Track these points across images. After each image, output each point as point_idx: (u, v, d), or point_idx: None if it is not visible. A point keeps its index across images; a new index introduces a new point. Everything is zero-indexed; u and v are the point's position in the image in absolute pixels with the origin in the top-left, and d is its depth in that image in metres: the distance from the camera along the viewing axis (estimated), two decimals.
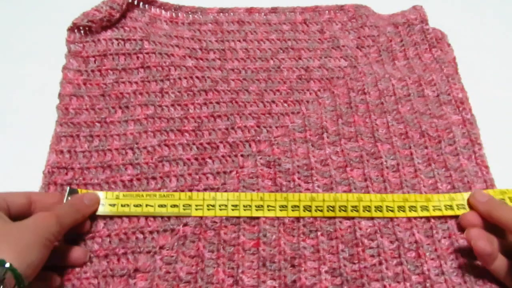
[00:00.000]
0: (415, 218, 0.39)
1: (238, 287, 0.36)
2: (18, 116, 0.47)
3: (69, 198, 0.38)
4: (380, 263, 0.37)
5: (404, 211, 0.39)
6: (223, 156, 0.43)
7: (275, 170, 0.42)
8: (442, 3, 0.59)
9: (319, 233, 0.38)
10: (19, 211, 0.35)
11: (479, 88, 0.48)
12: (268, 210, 0.39)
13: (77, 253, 0.37)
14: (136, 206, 0.39)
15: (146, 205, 0.39)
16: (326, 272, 0.37)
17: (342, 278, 0.36)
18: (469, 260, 0.37)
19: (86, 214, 0.38)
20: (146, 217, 0.39)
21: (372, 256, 0.37)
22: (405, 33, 0.52)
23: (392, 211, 0.39)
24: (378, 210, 0.39)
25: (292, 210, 0.39)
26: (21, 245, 0.30)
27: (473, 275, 0.36)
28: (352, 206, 0.39)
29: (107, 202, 0.39)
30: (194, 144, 0.44)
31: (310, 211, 0.39)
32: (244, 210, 0.39)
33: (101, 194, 0.39)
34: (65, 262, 0.36)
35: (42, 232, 0.31)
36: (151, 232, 0.39)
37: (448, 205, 0.39)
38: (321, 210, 0.39)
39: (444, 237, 0.38)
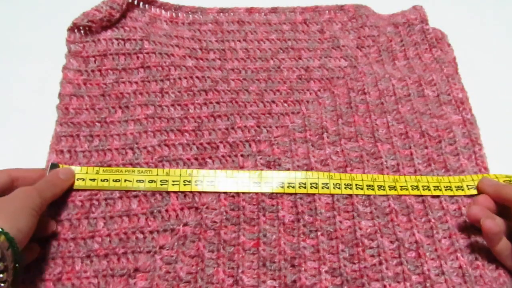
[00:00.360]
0: (414, 218, 0.39)
1: (238, 287, 0.36)
2: (18, 116, 0.47)
3: None
4: (380, 263, 0.37)
5: (373, 189, 0.41)
6: (223, 156, 0.43)
7: (275, 170, 0.42)
8: (442, 3, 0.59)
9: (319, 233, 0.38)
10: (1, 189, 0.35)
11: (479, 88, 0.48)
12: (243, 186, 0.41)
13: (45, 222, 0.37)
14: (115, 181, 0.40)
15: (125, 180, 0.41)
16: (326, 272, 0.37)
17: (342, 278, 0.36)
18: (469, 260, 0.37)
19: (63, 188, 0.39)
20: (146, 217, 0.39)
21: (372, 256, 0.37)
22: (405, 33, 0.52)
23: (361, 189, 0.40)
24: (348, 188, 0.40)
25: (265, 186, 0.41)
26: (9, 213, 0.31)
27: (473, 275, 0.36)
28: (323, 183, 0.41)
29: (87, 177, 0.40)
30: (194, 144, 0.44)
31: (283, 187, 0.41)
32: (220, 185, 0.41)
33: (82, 169, 0.41)
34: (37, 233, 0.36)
35: (27, 203, 0.33)
36: (151, 232, 0.39)
37: (415, 186, 0.41)
38: (293, 187, 0.40)
39: (444, 237, 0.38)
